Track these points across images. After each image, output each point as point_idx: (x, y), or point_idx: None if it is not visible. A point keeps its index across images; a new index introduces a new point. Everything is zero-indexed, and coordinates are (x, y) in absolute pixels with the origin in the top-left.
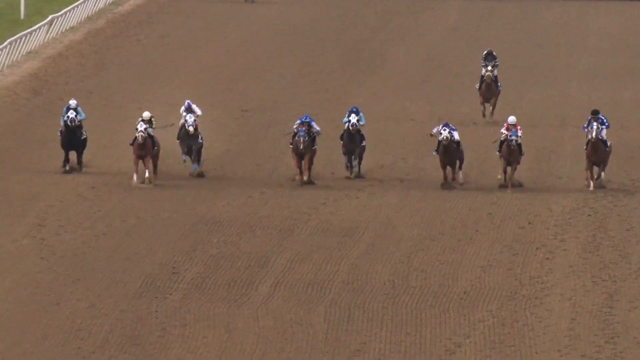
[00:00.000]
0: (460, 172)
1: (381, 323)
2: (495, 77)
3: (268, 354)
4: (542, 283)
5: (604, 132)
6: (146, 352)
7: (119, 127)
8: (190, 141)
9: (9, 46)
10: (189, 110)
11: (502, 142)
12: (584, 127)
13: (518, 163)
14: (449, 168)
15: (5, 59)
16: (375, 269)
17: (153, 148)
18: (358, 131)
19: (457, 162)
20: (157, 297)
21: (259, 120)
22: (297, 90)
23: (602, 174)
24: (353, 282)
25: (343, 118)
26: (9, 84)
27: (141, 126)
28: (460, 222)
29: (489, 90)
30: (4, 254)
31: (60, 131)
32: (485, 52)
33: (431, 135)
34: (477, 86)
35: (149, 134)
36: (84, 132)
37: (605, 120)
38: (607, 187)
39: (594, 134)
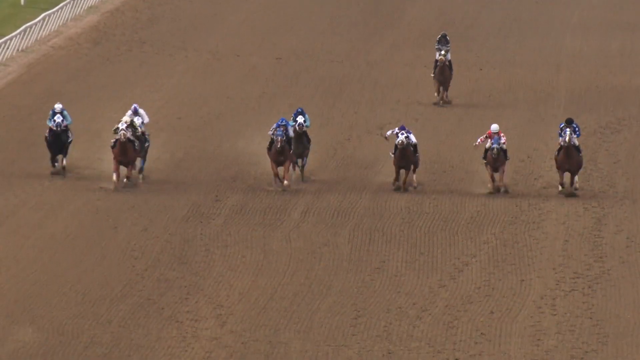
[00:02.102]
0: (414, 175)
1: (398, 244)
2: (449, 61)
3: (299, 272)
4: (539, 209)
5: (575, 139)
6: (192, 270)
7: (170, 73)
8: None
9: (72, 1)
10: (136, 114)
11: (486, 150)
12: (558, 133)
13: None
14: (402, 171)
15: (69, 13)
16: (393, 197)
17: (134, 152)
18: (305, 133)
19: (412, 166)
20: (201, 222)
21: (291, 66)
22: (325, 40)
23: (576, 179)
24: (374, 209)
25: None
26: (72, 35)
27: (122, 125)
28: (468, 156)
29: (443, 74)
30: (68, 184)
31: (46, 135)
32: (440, 35)
33: (385, 138)
34: (432, 74)
35: (129, 139)
36: (70, 135)
37: (577, 129)
38: (578, 195)
39: (567, 138)
